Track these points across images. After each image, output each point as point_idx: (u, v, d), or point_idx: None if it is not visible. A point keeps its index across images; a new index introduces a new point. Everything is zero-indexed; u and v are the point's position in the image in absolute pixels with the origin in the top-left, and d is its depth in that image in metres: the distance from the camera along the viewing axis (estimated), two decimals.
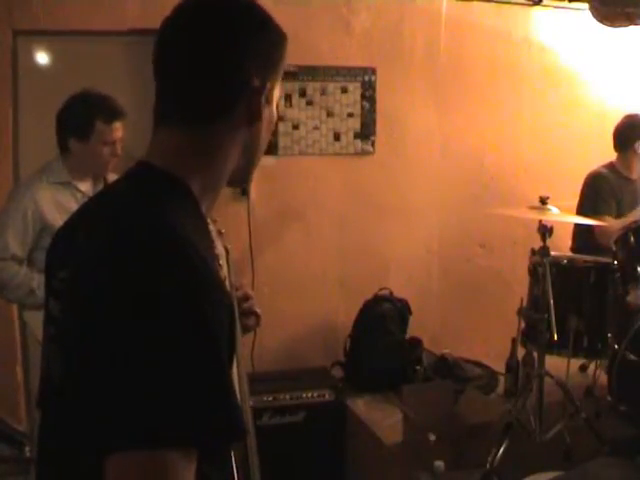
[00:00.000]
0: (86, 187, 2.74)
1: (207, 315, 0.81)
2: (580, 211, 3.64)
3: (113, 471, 0.76)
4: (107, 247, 0.85)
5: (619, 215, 3.57)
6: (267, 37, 1.01)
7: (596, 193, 3.62)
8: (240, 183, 1.09)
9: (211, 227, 1.38)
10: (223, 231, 1.49)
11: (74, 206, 2.63)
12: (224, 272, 1.44)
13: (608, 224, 3.41)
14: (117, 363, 0.78)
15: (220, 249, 1.46)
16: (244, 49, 0.98)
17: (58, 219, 2.58)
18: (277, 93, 1.05)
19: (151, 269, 0.81)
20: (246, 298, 1.47)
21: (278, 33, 1.03)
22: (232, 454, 1.03)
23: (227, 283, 1.42)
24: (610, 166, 3.71)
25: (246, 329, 1.46)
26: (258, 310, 1.49)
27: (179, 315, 0.79)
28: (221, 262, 1.41)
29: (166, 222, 0.87)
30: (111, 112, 2.63)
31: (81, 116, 2.61)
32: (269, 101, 1.02)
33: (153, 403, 0.76)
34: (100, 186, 2.77)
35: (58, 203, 2.63)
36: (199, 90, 0.98)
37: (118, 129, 2.66)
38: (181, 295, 0.80)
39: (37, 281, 2.56)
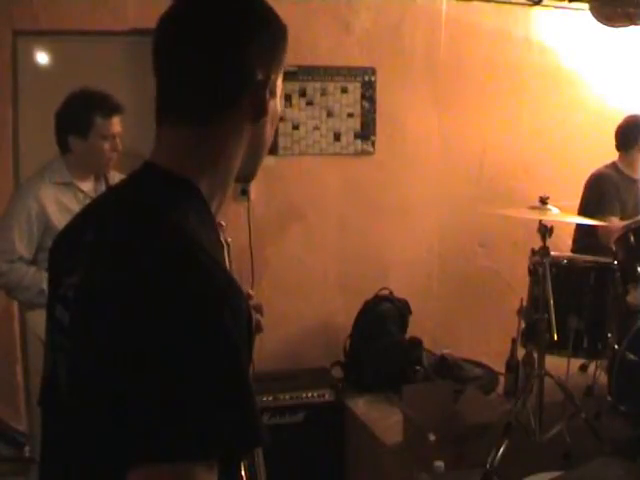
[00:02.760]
0: (88, 187, 2.74)
1: (228, 323, 0.80)
2: (583, 212, 3.64)
3: None
4: (119, 256, 0.84)
5: (623, 216, 3.57)
6: (270, 30, 1.00)
7: (600, 194, 3.61)
8: (246, 179, 1.07)
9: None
10: (223, 224, 1.49)
11: (76, 207, 2.63)
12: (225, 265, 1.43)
13: (611, 224, 3.41)
14: (139, 374, 0.77)
15: (221, 242, 1.45)
16: (247, 43, 0.96)
17: (60, 219, 2.58)
18: (280, 85, 1.03)
19: (168, 277, 0.80)
20: (258, 309, 1.46)
21: (280, 25, 1.02)
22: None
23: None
24: (613, 166, 3.71)
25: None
26: (262, 320, 1.48)
27: (200, 324, 0.78)
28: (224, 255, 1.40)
29: (179, 227, 0.86)
30: (109, 107, 2.64)
31: (79, 112, 2.62)
32: (273, 94, 1.01)
33: (178, 415, 0.75)
34: (102, 186, 2.77)
35: (61, 203, 2.64)
36: (203, 86, 0.95)
37: (116, 123, 2.66)
38: (201, 304, 0.79)
39: (47, 280, 2.55)
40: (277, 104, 1.03)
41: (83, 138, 2.63)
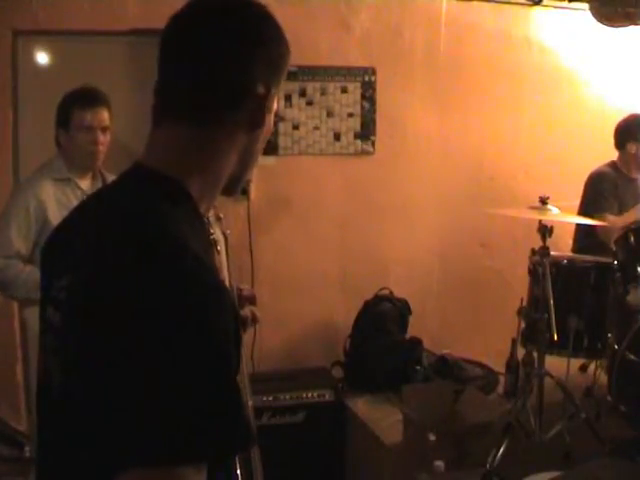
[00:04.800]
0: (86, 185, 2.74)
1: (216, 326, 0.80)
2: (582, 210, 3.65)
3: None
4: (107, 259, 0.84)
5: (621, 214, 3.57)
6: (278, 47, 1.01)
7: (598, 192, 3.62)
8: (231, 191, 1.06)
9: (209, 212, 1.38)
10: (222, 216, 1.49)
11: (75, 203, 2.63)
12: (222, 258, 1.44)
13: (610, 222, 3.42)
14: (126, 376, 0.77)
15: (218, 235, 1.46)
16: (254, 55, 0.97)
17: (58, 217, 2.58)
18: (275, 103, 1.05)
19: (154, 278, 0.80)
20: (252, 301, 1.47)
21: (286, 44, 1.04)
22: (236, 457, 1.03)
23: (225, 270, 1.42)
24: (612, 165, 3.73)
25: (244, 327, 1.47)
26: (257, 313, 1.49)
27: (186, 326, 0.78)
28: (219, 248, 1.41)
29: (166, 229, 0.86)
30: (87, 98, 2.65)
31: (62, 105, 2.65)
32: (269, 109, 1.02)
33: (167, 418, 0.76)
34: (99, 185, 2.77)
35: (59, 200, 2.64)
36: (203, 90, 0.96)
37: (95, 116, 2.65)
38: (189, 308, 0.79)
39: None
40: (271, 121, 1.04)
41: (65, 130, 2.66)
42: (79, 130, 2.64)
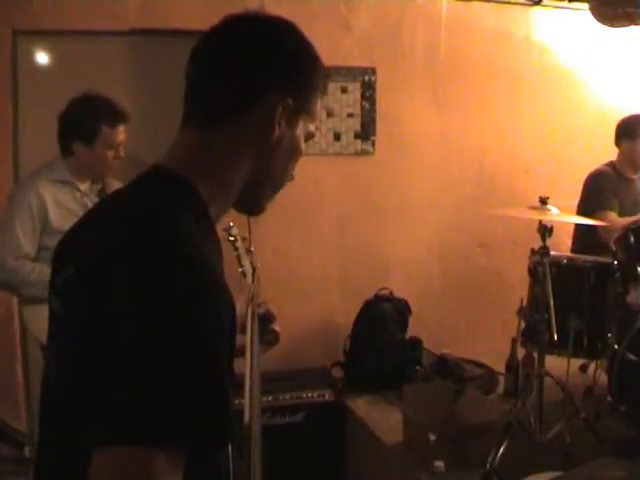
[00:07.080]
0: (84, 186, 2.74)
1: (207, 318, 0.81)
2: (582, 210, 3.64)
3: (97, 464, 0.75)
4: (109, 250, 0.86)
5: (621, 214, 3.58)
6: (299, 60, 1.04)
7: (598, 190, 3.62)
8: (245, 206, 1.08)
9: (239, 244, 1.46)
10: (252, 249, 1.55)
11: (73, 204, 2.65)
12: (252, 289, 1.50)
13: (611, 221, 3.42)
14: (111, 360, 0.78)
15: (247, 267, 1.52)
16: (267, 63, 0.99)
17: (58, 217, 2.59)
18: (305, 127, 1.05)
19: (149, 272, 0.81)
20: (272, 319, 1.53)
21: (313, 61, 1.07)
22: (229, 456, 1.02)
23: (253, 301, 1.47)
24: (611, 165, 3.73)
25: (268, 345, 1.53)
26: (278, 328, 1.56)
27: (177, 317, 0.79)
28: (248, 280, 1.46)
29: (169, 224, 0.87)
30: (116, 116, 2.65)
31: (86, 121, 2.61)
32: (291, 126, 1.02)
33: (144, 402, 0.76)
34: (98, 184, 2.78)
35: (59, 202, 2.64)
36: (212, 92, 0.99)
37: (122, 132, 2.68)
38: (180, 298, 0.79)
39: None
40: (296, 141, 1.04)
41: (89, 146, 2.63)
42: (106, 147, 2.64)
